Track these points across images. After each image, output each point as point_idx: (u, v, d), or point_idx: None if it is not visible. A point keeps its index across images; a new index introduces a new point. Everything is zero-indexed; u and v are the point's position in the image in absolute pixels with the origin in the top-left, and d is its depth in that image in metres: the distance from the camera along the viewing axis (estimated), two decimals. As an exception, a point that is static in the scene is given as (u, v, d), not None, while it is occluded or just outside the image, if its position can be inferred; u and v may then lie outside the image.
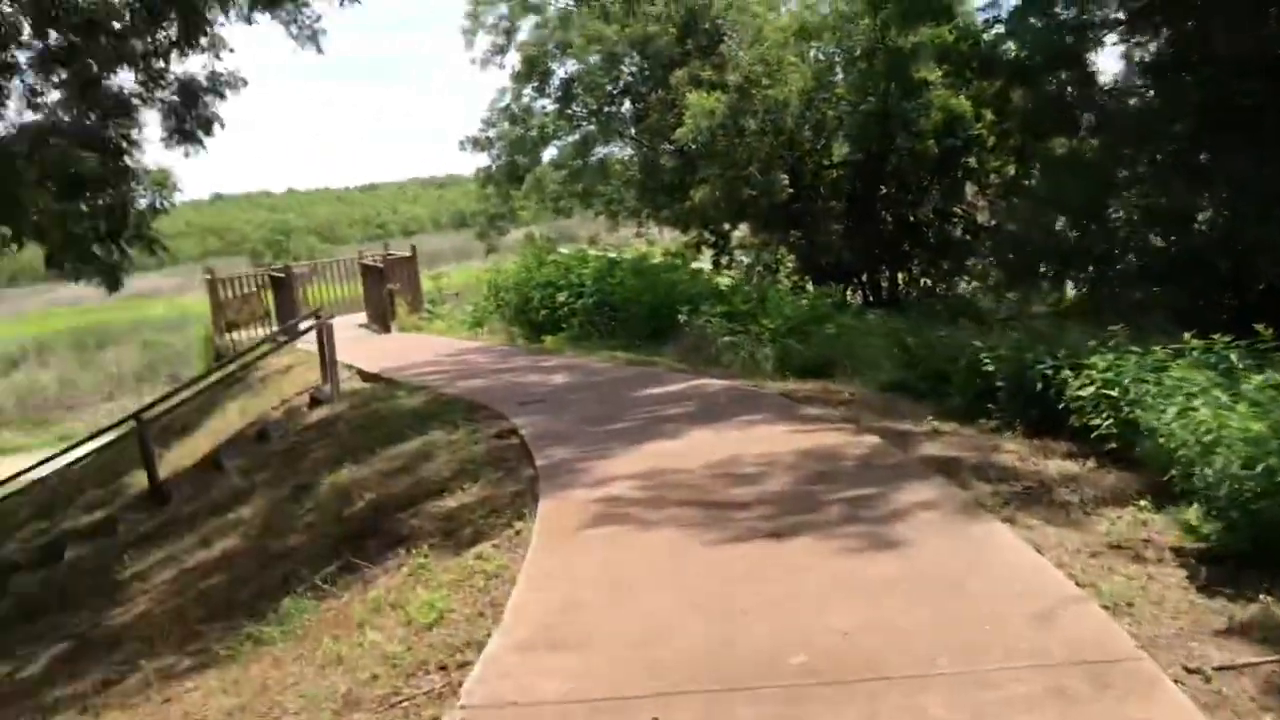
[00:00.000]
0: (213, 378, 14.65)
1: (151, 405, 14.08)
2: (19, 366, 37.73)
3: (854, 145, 24.46)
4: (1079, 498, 5.48)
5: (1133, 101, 14.78)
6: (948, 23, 23.19)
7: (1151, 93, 14.31)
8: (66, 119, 16.50)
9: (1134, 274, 12.46)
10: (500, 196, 26.99)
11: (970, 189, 26.35)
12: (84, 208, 16.84)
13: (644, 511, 5.79)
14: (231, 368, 14.80)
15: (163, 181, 17.89)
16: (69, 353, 39.41)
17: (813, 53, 24.27)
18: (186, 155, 16.22)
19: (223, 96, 16.57)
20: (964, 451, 6.55)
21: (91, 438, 15.54)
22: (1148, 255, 12.67)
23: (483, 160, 27.19)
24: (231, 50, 16.00)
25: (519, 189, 26.68)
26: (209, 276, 20.94)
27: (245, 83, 16.54)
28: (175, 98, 16.44)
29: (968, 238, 25.91)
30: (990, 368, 7.51)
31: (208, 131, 16.22)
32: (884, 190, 25.08)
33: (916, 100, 23.48)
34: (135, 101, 16.48)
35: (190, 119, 16.30)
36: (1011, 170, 24.85)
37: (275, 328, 18.23)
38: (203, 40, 15.84)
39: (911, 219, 24.93)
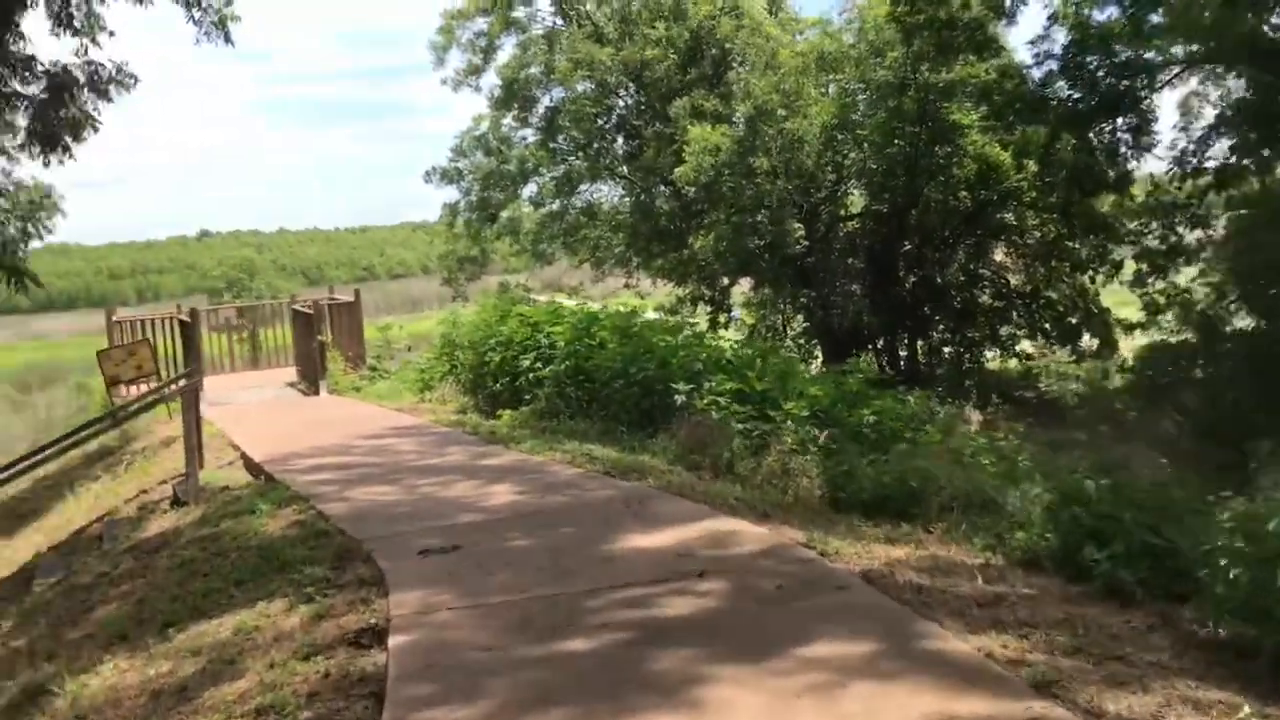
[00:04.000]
0: (40, 455, 10.41)
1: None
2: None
3: (875, 194, 20.59)
4: None
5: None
6: (991, 58, 19.47)
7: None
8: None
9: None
10: (470, 236, 22.84)
11: (1001, 249, 22.60)
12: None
13: None
14: (54, 444, 10.51)
15: (42, 200, 13.82)
16: (11, 392, 35.19)
17: (832, 87, 20.44)
18: (47, 165, 12.17)
19: (106, 96, 12.56)
20: None
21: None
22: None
23: (451, 194, 23.13)
24: (111, 34, 12.00)
25: (493, 228, 22.60)
26: (114, 318, 16.81)
27: (136, 80, 12.58)
28: (43, 94, 12.43)
29: (998, 304, 22.08)
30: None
31: (76, 135, 12.18)
32: (907, 246, 21.20)
33: (949, 146, 19.69)
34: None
35: (57, 120, 12.25)
36: (1052, 230, 21.05)
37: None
38: (75, 17, 11.88)
39: (938, 280, 20.99)
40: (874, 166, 19.58)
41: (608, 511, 6.47)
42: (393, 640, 4.41)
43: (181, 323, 15.46)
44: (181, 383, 9.77)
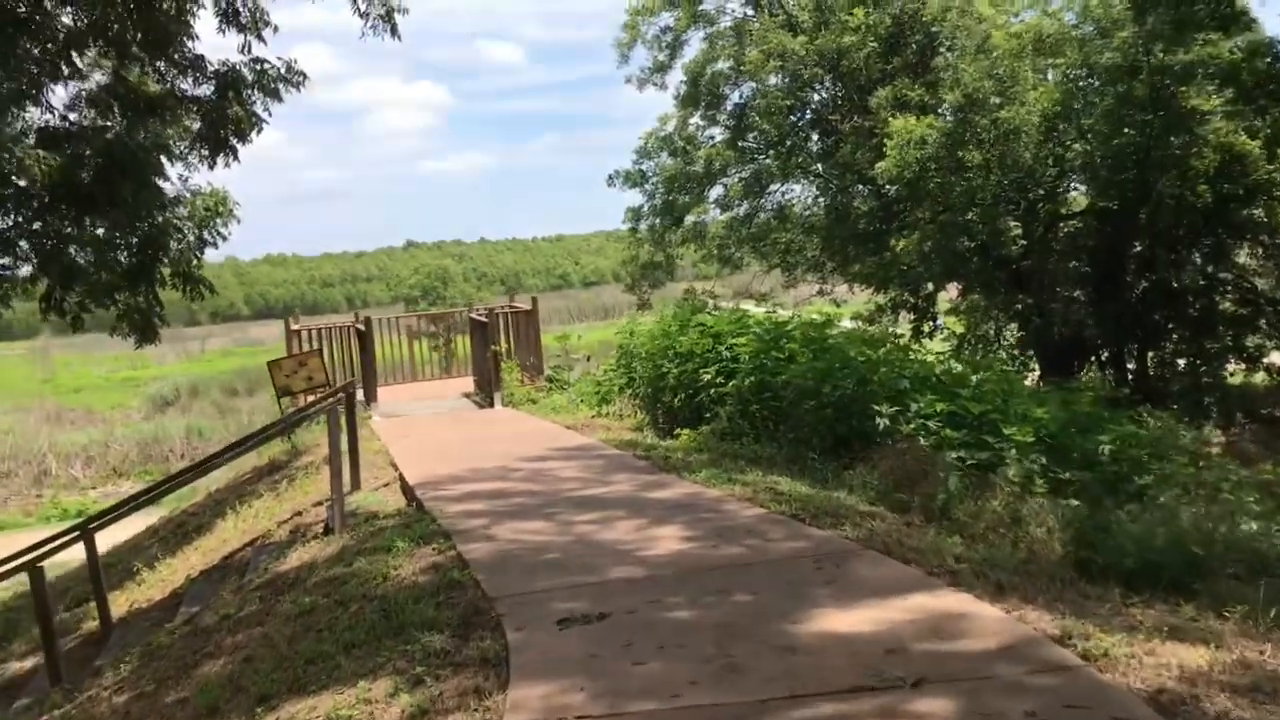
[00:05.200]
0: (193, 470, 9.86)
1: (108, 512, 9.38)
2: (165, 410, 34.87)
3: (1101, 190, 18.48)
4: None
5: None
6: (1238, 33, 17.12)
7: None
8: (77, 119, 12.35)
9: None
10: (654, 242, 21.82)
11: (1247, 249, 20.07)
12: (98, 233, 12.64)
13: None
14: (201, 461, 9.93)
15: (217, 207, 13.51)
16: (220, 397, 36.46)
17: (1051, 73, 18.48)
18: (212, 167, 11.78)
19: (276, 95, 12.11)
20: None
21: (71, 531, 10.62)
22: None
23: (635, 198, 22.19)
24: (275, 29, 11.50)
25: (678, 233, 21.51)
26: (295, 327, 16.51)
27: (305, 77, 12.12)
28: (213, 95, 12.07)
29: (1243, 311, 19.56)
30: None
31: (242, 136, 11.74)
32: (1136, 247, 18.98)
33: (1186, 135, 17.42)
34: (168, 100, 12.22)
35: (225, 120, 11.85)
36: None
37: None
38: (241, 13, 11.42)
39: (1173, 285, 18.71)
40: (1099, 159, 17.52)
41: (794, 573, 5.21)
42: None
43: (358, 332, 14.98)
44: (333, 399, 9.02)
